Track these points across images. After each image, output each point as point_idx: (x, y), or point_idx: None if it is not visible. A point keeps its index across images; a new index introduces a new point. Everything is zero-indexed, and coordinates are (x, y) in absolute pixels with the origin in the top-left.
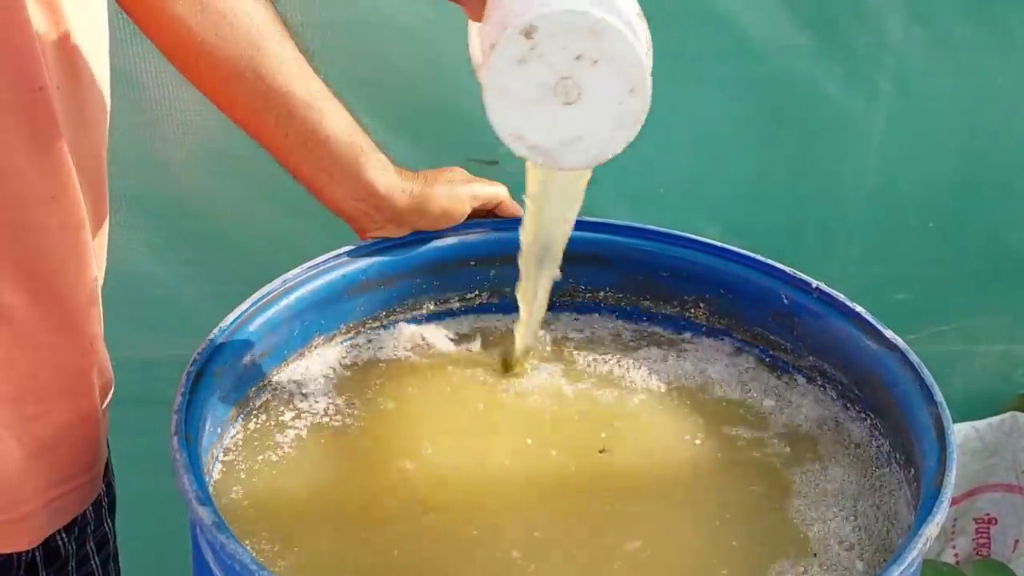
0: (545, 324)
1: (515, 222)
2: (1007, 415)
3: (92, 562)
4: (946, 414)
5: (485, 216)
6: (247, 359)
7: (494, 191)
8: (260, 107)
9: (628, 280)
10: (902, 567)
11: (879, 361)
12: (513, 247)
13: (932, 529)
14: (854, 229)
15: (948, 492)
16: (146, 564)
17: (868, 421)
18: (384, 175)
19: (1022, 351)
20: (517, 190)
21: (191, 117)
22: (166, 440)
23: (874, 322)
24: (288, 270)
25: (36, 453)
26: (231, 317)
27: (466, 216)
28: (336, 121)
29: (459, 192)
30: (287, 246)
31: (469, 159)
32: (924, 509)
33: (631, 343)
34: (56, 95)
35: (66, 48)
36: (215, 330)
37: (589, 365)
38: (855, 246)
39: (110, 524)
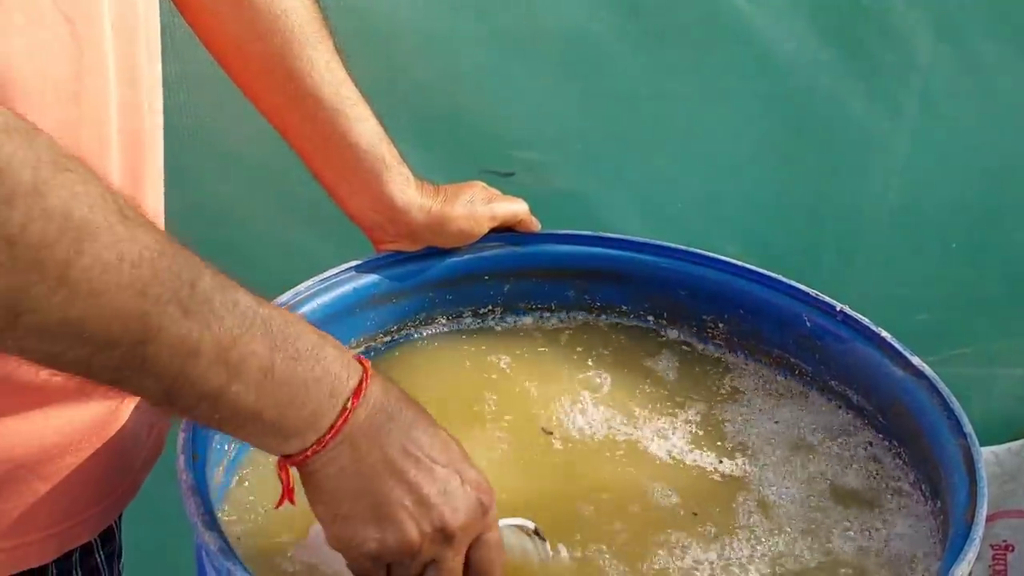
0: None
1: (532, 236)
2: None
3: (97, 555)
4: (976, 446)
5: (503, 231)
6: None
7: (514, 210)
8: (286, 107)
9: (643, 297)
10: None
11: (905, 388)
12: (528, 261)
13: (964, 568)
14: (874, 249)
15: (980, 529)
16: (147, 566)
17: (894, 449)
18: (404, 191)
19: None
20: (533, 203)
21: (203, 123)
22: (172, 453)
23: (900, 348)
24: (298, 281)
25: (57, 490)
26: None
27: (483, 235)
28: (361, 130)
29: (478, 213)
30: (297, 256)
31: (484, 170)
32: (955, 547)
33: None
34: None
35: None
36: None
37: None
38: (875, 266)
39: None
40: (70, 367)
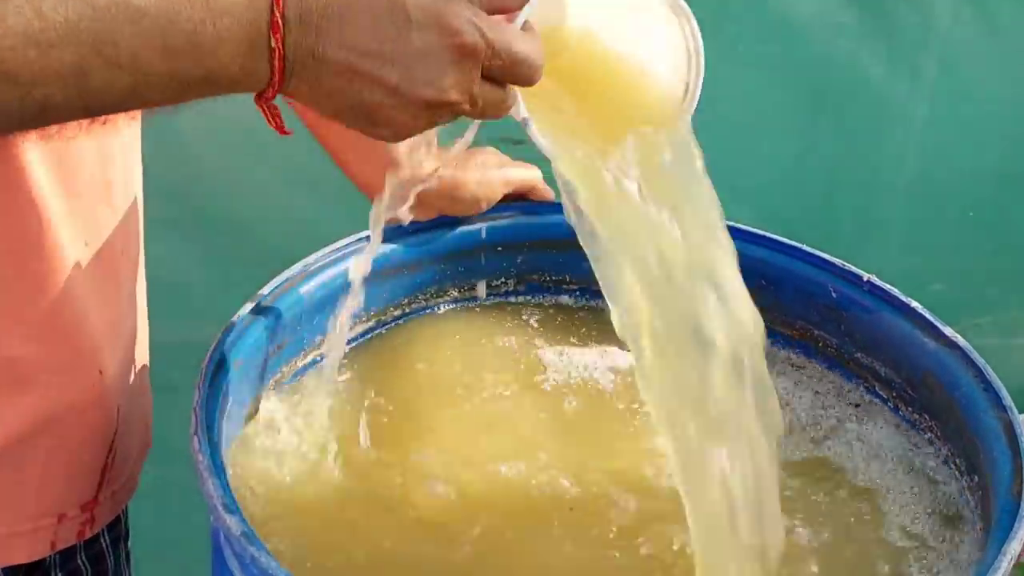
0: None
1: (546, 206)
2: None
3: (102, 540)
4: (1016, 419)
5: (515, 200)
6: (267, 350)
7: (527, 176)
8: None
9: None
10: None
11: (937, 360)
12: (543, 232)
13: (1016, 546)
14: (892, 217)
15: None
16: (155, 554)
17: (924, 423)
18: (412, 156)
19: None
20: (544, 172)
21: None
22: (174, 428)
23: (931, 318)
24: (302, 253)
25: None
26: (249, 306)
27: (496, 202)
28: None
29: (491, 178)
30: (302, 228)
31: (497, 138)
32: (1003, 524)
33: None
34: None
35: None
36: (234, 318)
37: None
38: (892, 235)
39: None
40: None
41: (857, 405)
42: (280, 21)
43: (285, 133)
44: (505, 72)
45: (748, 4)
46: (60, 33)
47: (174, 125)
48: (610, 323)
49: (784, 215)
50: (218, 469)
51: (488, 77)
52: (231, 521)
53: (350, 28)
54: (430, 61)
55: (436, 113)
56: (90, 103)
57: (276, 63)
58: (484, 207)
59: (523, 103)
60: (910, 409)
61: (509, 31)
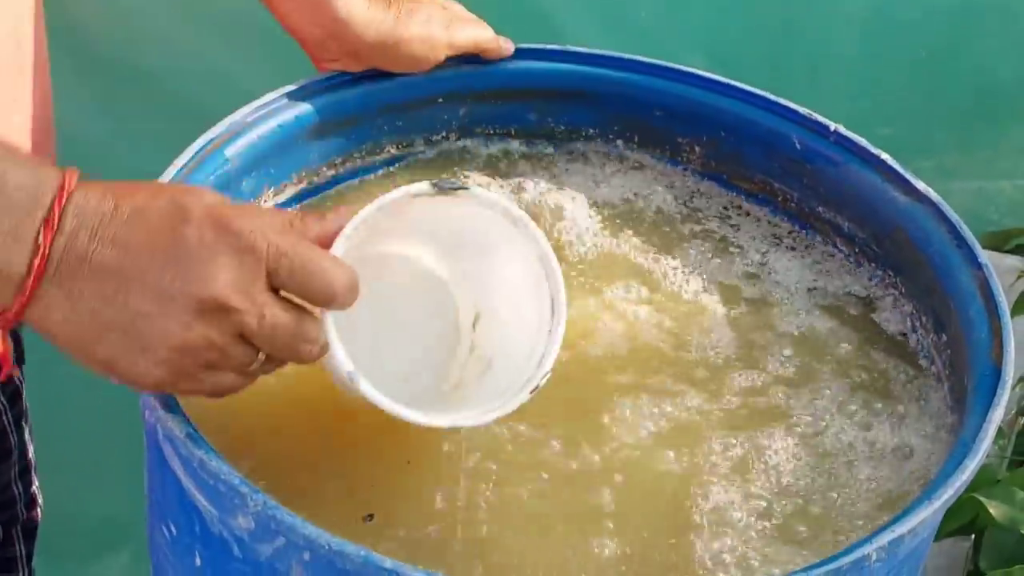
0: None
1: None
2: None
3: (4, 418)
4: (993, 277)
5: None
6: None
7: (475, 38)
8: None
9: (612, 119)
10: (976, 459)
11: (907, 215)
12: (484, 81)
13: (999, 413)
14: (843, 58)
15: (1010, 369)
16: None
17: (888, 280)
18: (348, 3)
19: (996, 188)
20: (481, 14)
21: None
22: None
23: (902, 171)
24: (223, 110)
25: None
26: (171, 171)
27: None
28: None
29: (435, 37)
30: (221, 81)
31: None
32: (984, 388)
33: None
34: None
35: None
36: None
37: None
38: (843, 77)
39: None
40: None
41: (816, 262)
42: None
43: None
44: (296, 282)
45: None
46: None
47: None
48: (560, 166)
49: (734, 57)
50: None
51: (278, 290)
52: (172, 422)
53: (124, 228)
54: (204, 255)
55: (212, 323)
56: None
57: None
58: (423, 69)
59: (341, 351)
60: (873, 266)
61: (305, 242)
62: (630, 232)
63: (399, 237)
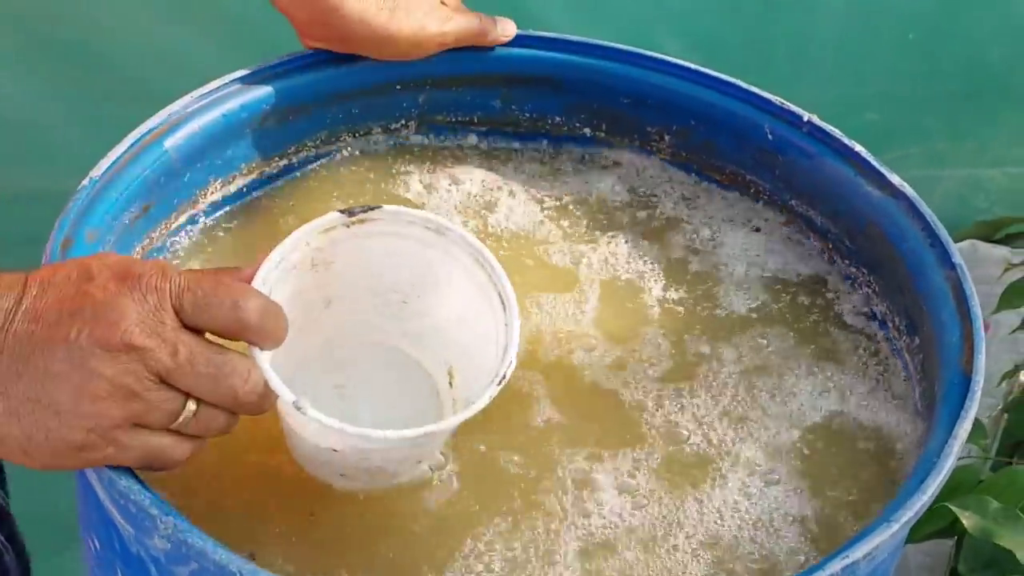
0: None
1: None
2: (965, 243)
3: None
4: (967, 279)
5: None
6: (127, 216)
7: (467, 33)
8: None
9: (579, 107)
10: (940, 476)
11: (881, 210)
12: (445, 67)
13: (966, 427)
14: (828, 42)
15: (980, 379)
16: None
17: (861, 278)
18: None
19: (985, 176)
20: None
21: None
22: None
23: (877, 164)
24: (174, 93)
25: None
26: (104, 164)
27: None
28: None
29: (425, 34)
30: (172, 62)
31: None
32: (951, 398)
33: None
34: None
35: None
36: (85, 181)
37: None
38: (827, 62)
39: None
40: None
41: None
42: None
43: None
44: (204, 314)
45: None
46: None
47: None
48: (521, 164)
49: (714, 42)
50: None
51: (192, 329)
52: None
53: (33, 301)
54: (108, 302)
55: (124, 368)
56: None
57: None
58: (411, 60)
59: (277, 379)
60: (846, 263)
61: (212, 275)
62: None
63: (333, 288)
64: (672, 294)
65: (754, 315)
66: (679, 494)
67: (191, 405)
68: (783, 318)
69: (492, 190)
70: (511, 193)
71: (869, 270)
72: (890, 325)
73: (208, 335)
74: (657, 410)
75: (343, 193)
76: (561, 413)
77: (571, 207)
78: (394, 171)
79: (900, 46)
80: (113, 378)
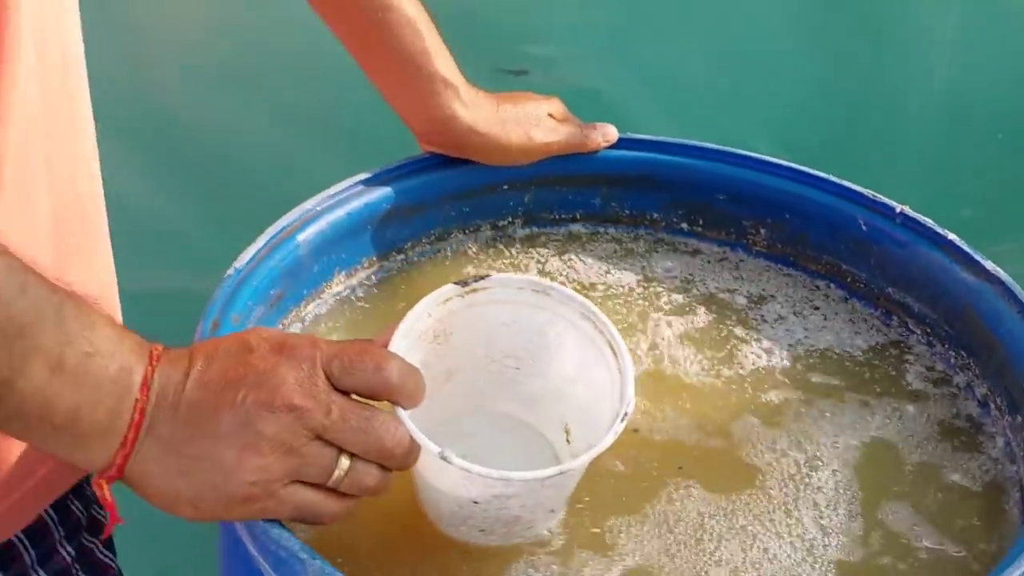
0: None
1: None
2: None
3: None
4: None
5: None
6: (264, 304)
7: (571, 141)
8: (336, 15)
9: (677, 203)
10: None
11: (978, 295)
12: (549, 168)
13: None
14: (917, 140)
15: None
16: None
17: (960, 361)
18: (460, 114)
19: None
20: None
21: (178, 20)
22: None
23: (970, 251)
24: (298, 197)
25: None
26: (245, 256)
27: None
28: (414, 43)
29: (535, 146)
30: (296, 169)
31: (497, 69)
32: None
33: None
34: None
35: None
36: (230, 271)
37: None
38: (917, 160)
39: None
40: None
41: (894, 341)
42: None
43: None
44: (352, 377)
45: None
46: None
47: (147, 66)
48: (619, 255)
49: (803, 142)
50: None
51: (342, 391)
52: None
53: (200, 373)
54: (268, 371)
55: (285, 426)
56: None
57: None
58: (518, 165)
59: (422, 435)
60: (945, 346)
61: (358, 343)
62: (686, 312)
63: (453, 359)
64: (777, 376)
65: (835, 394)
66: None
67: (344, 461)
68: (872, 390)
69: (595, 273)
70: (609, 274)
71: (968, 353)
72: (991, 405)
73: (355, 396)
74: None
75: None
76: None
77: (664, 292)
78: (500, 261)
79: (989, 144)
80: (275, 436)
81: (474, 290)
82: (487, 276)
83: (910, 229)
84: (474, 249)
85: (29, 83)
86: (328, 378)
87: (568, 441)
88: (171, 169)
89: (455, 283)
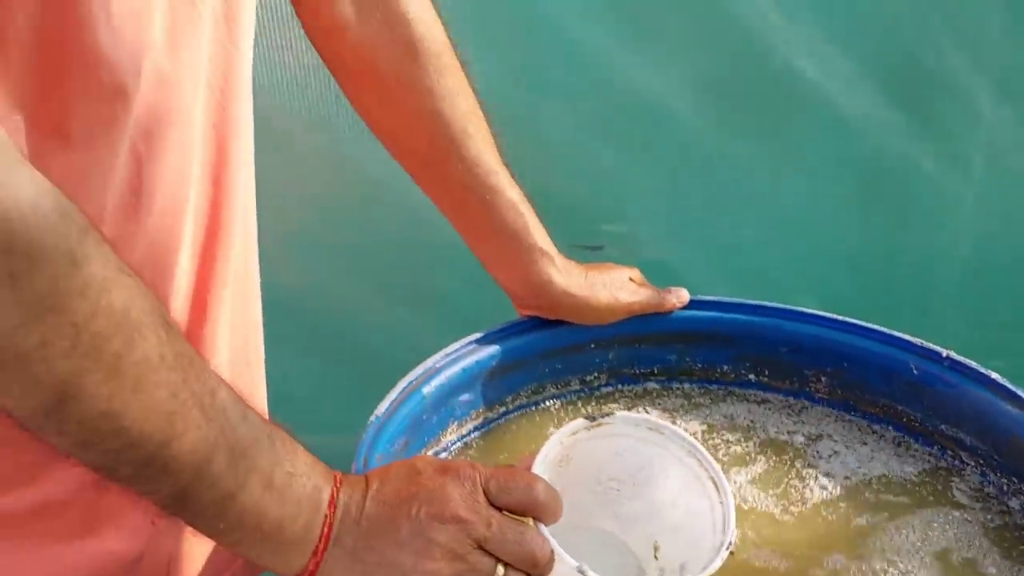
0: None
1: None
2: None
3: None
4: None
5: None
6: (395, 448)
7: (650, 302)
8: (439, 195)
9: (744, 357)
10: None
11: (1021, 424)
12: (629, 329)
13: None
14: (949, 299)
15: None
16: None
17: (1012, 487)
18: (552, 278)
19: None
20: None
21: (279, 199)
22: None
23: (1011, 387)
24: (401, 360)
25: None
26: (383, 405)
27: None
28: (513, 220)
29: (618, 304)
30: (399, 336)
31: (573, 245)
32: None
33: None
34: None
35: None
36: (372, 418)
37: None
38: (948, 315)
39: None
40: (97, 459)
41: (949, 470)
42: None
43: None
44: (506, 495)
45: (805, 109)
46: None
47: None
48: (690, 399)
49: (847, 301)
50: None
51: (495, 504)
52: None
53: (378, 492)
54: (436, 488)
55: (453, 535)
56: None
57: (325, 530)
58: (604, 324)
59: (562, 551)
60: (998, 474)
61: (508, 468)
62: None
63: (566, 479)
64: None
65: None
66: None
67: (500, 570)
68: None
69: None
70: (674, 423)
71: (1020, 479)
72: None
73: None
74: None
75: (542, 435)
76: None
77: (729, 435)
78: (578, 416)
79: (1017, 299)
80: (445, 544)
81: (599, 424)
82: (611, 414)
83: (957, 371)
84: (556, 406)
85: (238, 259)
86: (486, 495)
87: (656, 557)
88: (285, 337)
89: (584, 417)
